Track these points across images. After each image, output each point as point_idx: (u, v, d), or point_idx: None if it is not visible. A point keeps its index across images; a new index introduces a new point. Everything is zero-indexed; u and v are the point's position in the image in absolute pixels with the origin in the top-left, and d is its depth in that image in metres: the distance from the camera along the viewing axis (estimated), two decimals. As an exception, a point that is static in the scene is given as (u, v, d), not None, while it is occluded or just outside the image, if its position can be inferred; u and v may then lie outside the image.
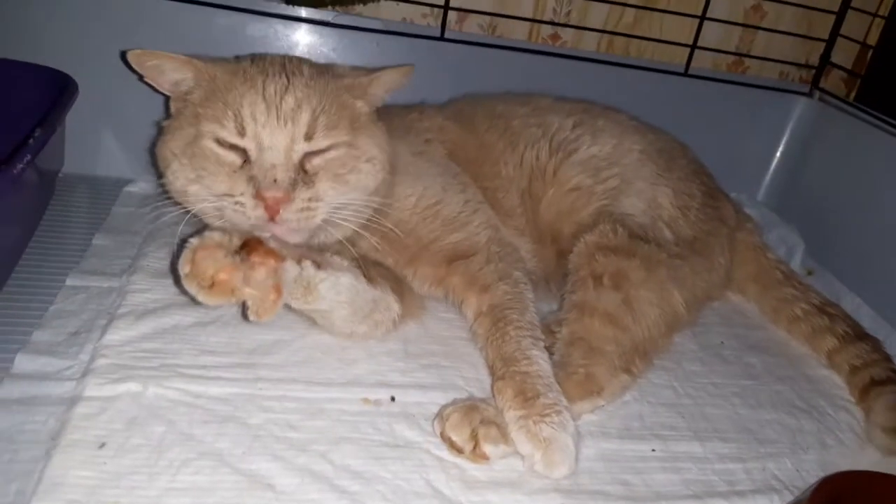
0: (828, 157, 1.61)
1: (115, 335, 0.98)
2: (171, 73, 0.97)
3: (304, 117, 0.90)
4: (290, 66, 0.96)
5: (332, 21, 1.47)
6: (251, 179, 0.88)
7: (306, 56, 1.46)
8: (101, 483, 0.77)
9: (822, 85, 1.67)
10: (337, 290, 0.93)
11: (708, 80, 1.64)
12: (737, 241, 1.32)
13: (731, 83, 1.65)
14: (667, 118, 1.36)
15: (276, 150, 0.89)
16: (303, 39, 1.48)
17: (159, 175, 1.03)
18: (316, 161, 0.93)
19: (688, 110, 1.58)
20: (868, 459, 1.02)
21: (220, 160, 0.91)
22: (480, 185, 1.21)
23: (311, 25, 1.47)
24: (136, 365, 0.94)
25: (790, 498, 0.91)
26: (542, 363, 0.96)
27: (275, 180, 0.87)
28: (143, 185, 1.42)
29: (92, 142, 1.45)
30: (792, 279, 1.32)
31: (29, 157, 0.98)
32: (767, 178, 1.74)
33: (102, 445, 0.82)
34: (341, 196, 0.95)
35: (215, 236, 0.82)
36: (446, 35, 1.51)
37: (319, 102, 0.92)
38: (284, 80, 0.92)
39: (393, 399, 0.97)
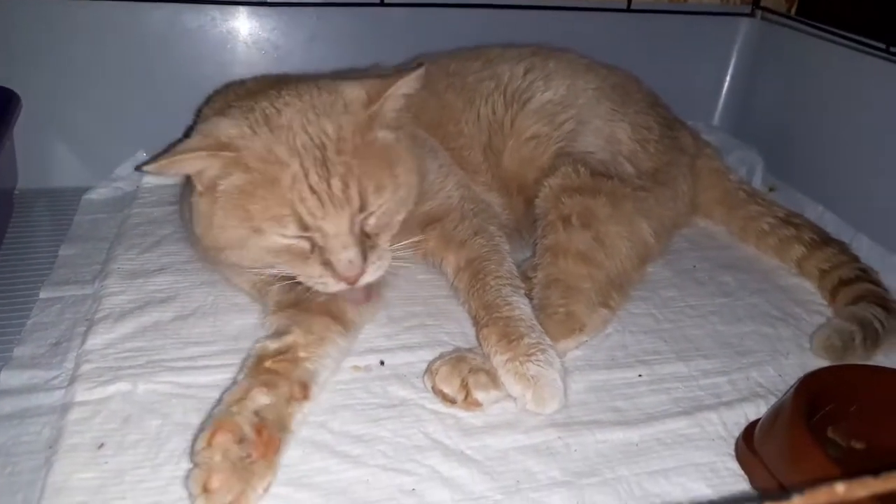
0: (777, 75, 1.63)
1: (96, 339, 0.98)
2: (194, 168, 0.90)
3: (354, 194, 0.89)
4: (311, 128, 0.89)
5: (268, 0, 1.45)
6: (326, 264, 0.90)
7: (247, 40, 1.47)
8: (104, 482, 0.78)
9: (763, 3, 1.68)
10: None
11: (651, 12, 1.64)
12: (698, 167, 1.34)
13: (674, 13, 1.66)
14: (614, 56, 1.36)
15: (341, 235, 0.89)
16: (241, 25, 1.46)
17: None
18: (372, 221, 0.93)
19: (634, 46, 1.59)
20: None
21: (290, 250, 0.90)
22: (446, 146, 1.21)
23: (248, 8, 1.45)
24: (123, 365, 0.94)
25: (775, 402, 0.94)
26: (523, 307, 0.97)
27: (350, 261, 0.89)
28: (101, 192, 1.41)
29: (43, 154, 1.42)
30: (755, 197, 1.35)
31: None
32: (721, 102, 1.76)
33: (101, 446, 0.82)
34: (393, 232, 0.98)
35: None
36: (385, 0, 1.50)
37: (360, 168, 0.89)
38: (319, 155, 0.88)
39: (382, 363, 0.98)
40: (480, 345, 0.94)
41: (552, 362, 0.90)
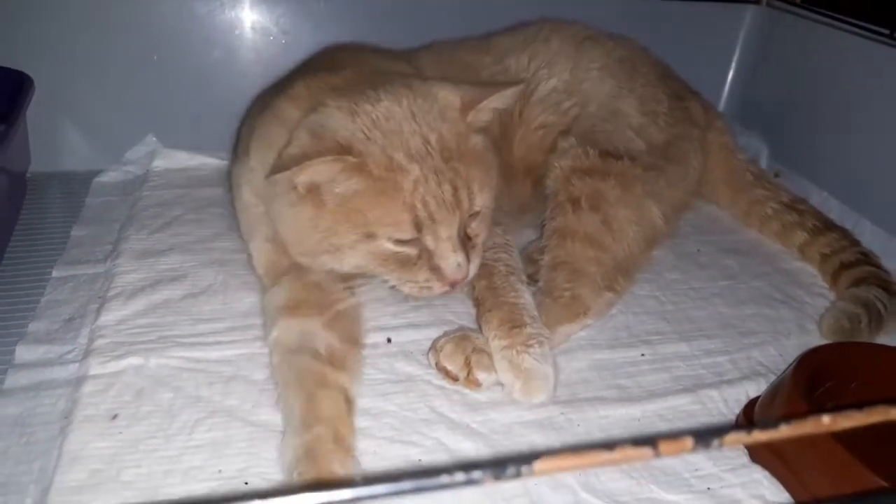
0: (782, 62, 1.64)
1: (109, 316, 1.00)
2: (319, 175, 0.86)
3: (464, 198, 0.90)
4: (419, 134, 0.89)
5: (275, -13, 1.47)
6: (434, 269, 0.91)
7: (255, 26, 1.48)
8: (119, 451, 0.80)
9: (769, -9, 1.69)
10: None
11: (658, -1, 1.65)
12: (708, 142, 1.33)
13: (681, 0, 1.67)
14: (619, 41, 1.37)
15: (452, 238, 0.90)
16: (249, 11, 1.48)
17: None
18: (474, 224, 0.95)
19: (640, 32, 1.59)
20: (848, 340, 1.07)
21: (398, 256, 0.90)
22: None
23: (255, -6, 1.47)
24: (135, 340, 0.96)
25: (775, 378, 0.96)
26: (526, 297, 0.99)
27: (458, 265, 0.90)
28: (112, 175, 1.43)
29: (55, 138, 1.44)
30: (762, 179, 1.36)
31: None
32: (726, 89, 1.77)
33: (115, 417, 0.84)
34: (488, 232, 0.99)
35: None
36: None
37: (465, 173, 0.90)
38: (431, 161, 0.88)
39: (389, 340, 1.00)
40: (481, 328, 0.96)
41: (546, 356, 0.90)
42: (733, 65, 1.75)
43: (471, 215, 0.93)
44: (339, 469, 0.75)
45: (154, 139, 1.50)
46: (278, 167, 0.85)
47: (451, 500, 0.76)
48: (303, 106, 0.95)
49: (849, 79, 1.44)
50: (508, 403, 0.90)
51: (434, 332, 1.00)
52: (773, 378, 0.96)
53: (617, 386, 0.95)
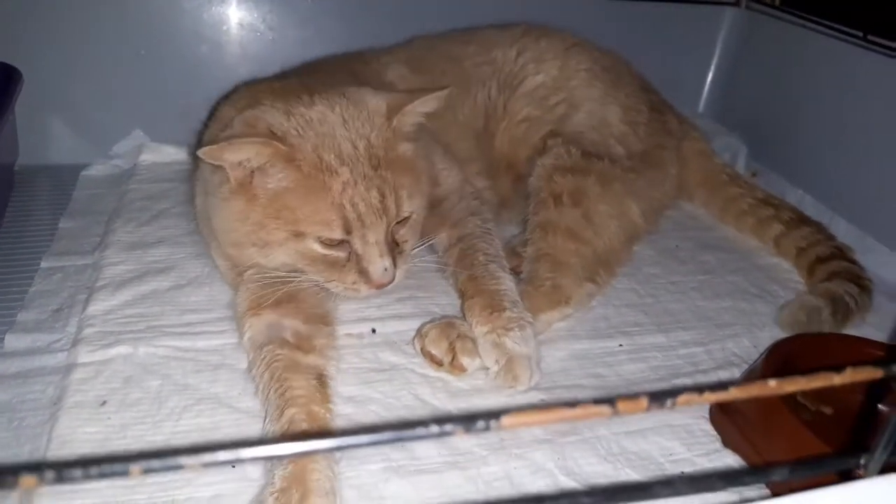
0: (761, 63, 1.68)
1: (97, 306, 1.02)
2: (245, 155, 0.87)
3: (391, 204, 0.92)
4: (349, 139, 0.91)
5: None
6: (362, 272, 0.92)
7: (242, 22, 1.50)
8: (108, 436, 0.82)
9: (747, -7, 1.73)
10: None
11: (637, 0, 1.68)
12: (684, 149, 1.38)
13: (661, 0, 1.70)
14: (600, 44, 1.40)
15: (379, 243, 0.92)
16: (237, 7, 1.49)
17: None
18: (402, 230, 0.97)
19: (620, 34, 1.62)
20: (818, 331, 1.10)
21: (326, 258, 0.92)
22: (443, 140, 1.23)
23: (242, -10, 1.48)
24: (123, 330, 0.98)
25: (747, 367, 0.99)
26: (508, 283, 1.01)
27: (385, 269, 0.92)
28: (99, 168, 1.45)
29: (43, 131, 1.45)
30: (737, 179, 1.39)
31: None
32: (705, 90, 1.81)
33: (104, 403, 0.86)
34: (416, 238, 1.02)
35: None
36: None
37: (393, 180, 0.92)
38: (360, 166, 0.90)
39: (374, 331, 1.02)
40: (465, 316, 0.98)
41: (528, 339, 0.93)
42: (712, 66, 1.78)
43: (398, 222, 0.95)
44: None
45: (141, 133, 1.51)
46: (211, 145, 0.86)
47: (434, 483, 0.78)
48: (241, 106, 0.98)
49: (825, 80, 1.47)
50: (490, 391, 0.92)
51: (418, 323, 1.02)
52: (746, 368, 0.99)
53: (595, 374, 0.97)
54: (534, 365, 0.92)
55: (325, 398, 0.85)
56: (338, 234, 0.90)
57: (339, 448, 0.34)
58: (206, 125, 1.11)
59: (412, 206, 0.96)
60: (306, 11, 1.53)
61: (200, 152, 0.86)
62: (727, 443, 0.86)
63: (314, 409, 0.82)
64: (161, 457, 0.27)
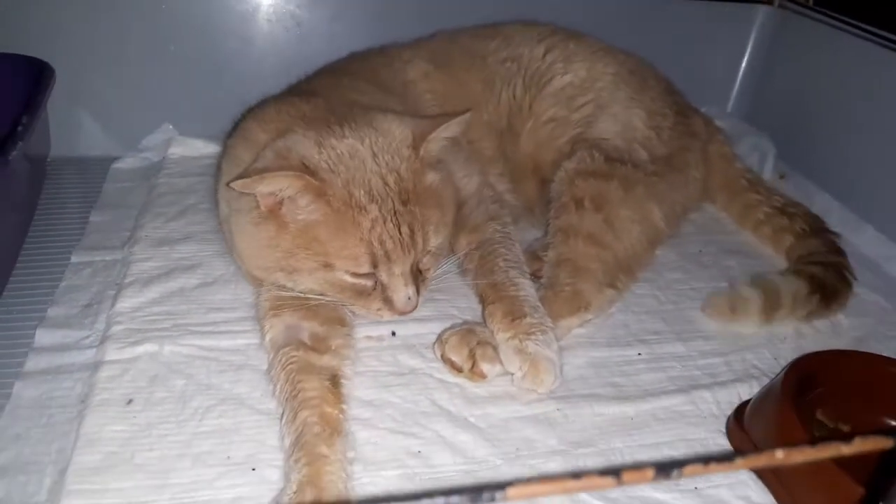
0: (793, 63, 1.65)
1: (125, 303, 1.04)
2: (277, 187, 0.88)
3: (419, 239, 0.94)
4: (379, 174, 0.92)
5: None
6: (386, 300, 0.95)
7: (271, 17, 1.51)
8: (133, 435, 0.84)
9: (782, -8, 1.70)
10: None
11: (669, -3, 1.66)
12: (708, 153, 1.37)
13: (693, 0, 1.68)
14: (631, 41, 1.38)
15: (405, 275, 0.94)
16: (265, 1, 1.50)
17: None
18: (426, 259, 0.99)
19: (651, 31, 1.61)
20: (841, 343, 1.09)
21: (355, 287, 0.94)
22: (467, 137, 1.23)
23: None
24: (150, 328, 1.00)
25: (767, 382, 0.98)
26: (528, 289, 1.02)
27: (409, 298, 0.95)
28: (129, 161, 1.47)
29: (74, 124, 1.48)
30: (757, 185, 1.37)
31: (21, 144, 1.02)
32: (735, 89, 1.78)
33: (130, 402, 0.88)
34: (438, 264, 1.04)
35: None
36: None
37: (421, 215, 0.94)
38: (391, 204, 0.91)
39: (394, 334, 1.04)
40: (485, 322, 0.99)
41: (550, 343, 0.94)
42: (743, 65, 1.75)
43: (426, 254, 0.97)
44: (325, 451, 0.79)
45: (170, 127, 1.53)
46: (240, 176, 0.88)
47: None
48: (270, 129, 0.99)
49: (857, 83, 1.45)
50: (506, 398, 0.93)
51: (438, 327, 1.03)
52: (765, 381, 0.98)
53: (613, 384, 0.98)
54: (557, 368, 0.93)
55: (338, 399, 0.87)
56: (365, 269, 0.92)
57: None
58: (230, 135, 1.11)
59: (438, 240, 0.98)
60: (335, 7, 1.53)
61: (234, 184, 0.88)
62: (742, 459, 0.86)
63: (327, 411, 0.84)
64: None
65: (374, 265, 0.92)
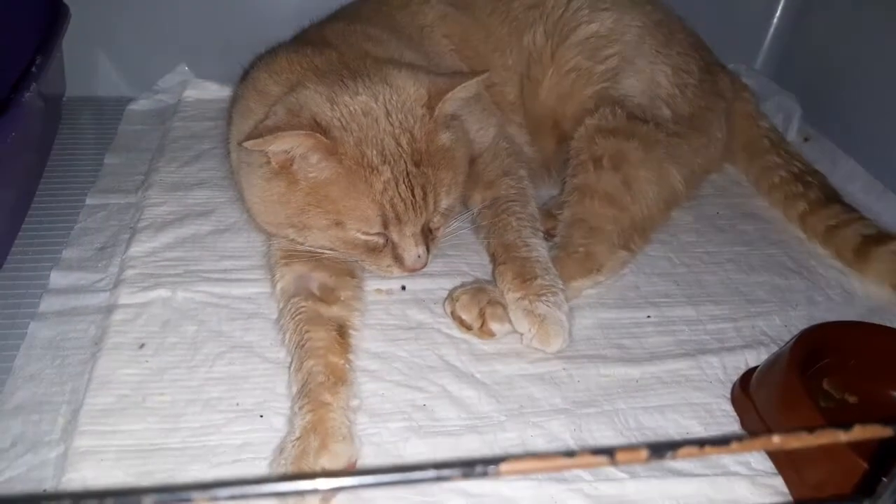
0: (824, 23, 1.59)
1: (139, 247, 1.05)
2: (289, 145, 0.88)
3: (431, 200, 0.93)
4: (392, 135, 0.90)
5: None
6: (397, 258, 0.95)
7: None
8: (145, 378, 0.86)
9: (819, -55, 1.62)
10: None
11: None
12: (732, 111, 1.33)
13: (726, -51, 1.62)
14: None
15: (415, 235, 0.93)
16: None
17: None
18: (437, 219, 0.98)
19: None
20: (855, 312, 1.08)
21: (366, 244, 0.94)
22: (487, 83, 1.20)
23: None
24: (163, 273, 1.01)
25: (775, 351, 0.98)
26: (540, 250, 1.01)
27: (419, 256, 0.94)
28: (144, 103, 1.46)
29: (89, 64, 1.47)
30: (779, 147, 1.33)
31: (34, 84, 1.02)
32: (765, 46, 1.72)
33: (142, 346, 0.90)
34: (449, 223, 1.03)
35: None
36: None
37: (434, 176, 0.93)
38: (403, 166, 0.90)
39: (403, 288, 1.04)
40: (496, 281, 0.99)
41: (560, 304, 0.94)
42: (774, 21, 1.69)
43: (436, 214, 0.96)
44: (329, 398, 0.81)
45: (186, 68, 1.52)
46: (252, 135, 0.87)
47: (451, 445, 0.81)
48: (282, 81, 0.98)
49: (891, 47, 1.39)
50: (513, 356, 0.94)
51: (448, 282, 1.04)
52: (774, 349, 0.98)
53: (620, 346, 0.98)
54: (566, 330, 0.93)
55: (345, 349, 0.88)
56: (376, 230, 0.92)
57: (339, 488, 0.35)
58: (241, 83, 1.10)
59: (449, 201, 0.97)
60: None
61: (246, 144, 0.87)
62: (746, 425, 0.87)
63: (332, 361, 0.86)
64: (172, 491, 0.29)
65: (385, 226, 0.92)
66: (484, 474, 0.29)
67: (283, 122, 0.88)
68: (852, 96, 1.49)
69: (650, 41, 1.23)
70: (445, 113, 0.96)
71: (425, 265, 0.96)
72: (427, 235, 0.96)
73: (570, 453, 0.32)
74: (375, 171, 0.89)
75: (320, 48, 1.03)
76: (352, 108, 0.90)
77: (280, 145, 0.87)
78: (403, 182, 0.90)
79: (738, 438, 0.34)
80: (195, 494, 0.28)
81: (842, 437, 0.35)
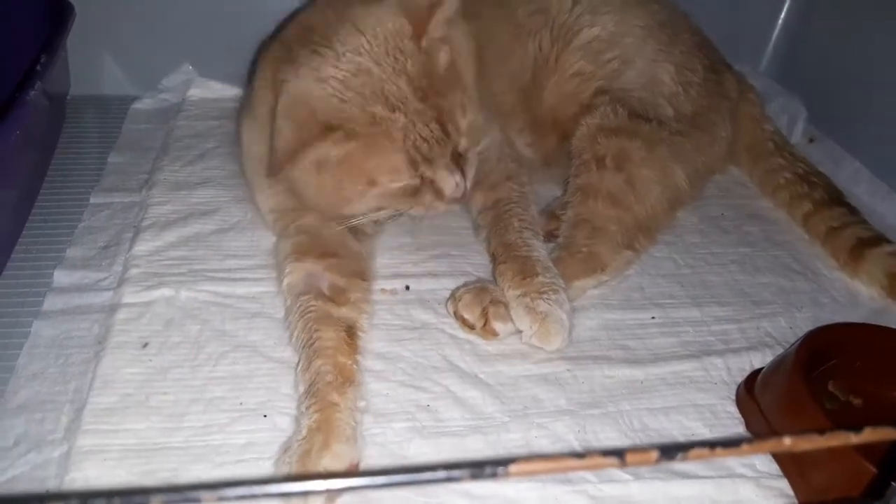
0: (829, 25, 1.58)
1: (143, 246, 1.05)
2: (310, 159, 0.90)
3: (451, 128, 0.93)
4: (391, 81, 0.89)
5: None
6: (436, 192, 0.95)
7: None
8: (148, 378, 0.86)
9: (824, -54, 1.62)
10: None
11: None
12: (737, 112, 1.33)
13: (731, -50, 1.61)
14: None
15: (448, 165, 0.93)
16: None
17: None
18: (463, 141, 0.97)
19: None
20: (860, 314, 1.07)
21: (404, 190, 0.94)
22: (489, 90, 1.19)
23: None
24: (167, 272, 1.01)
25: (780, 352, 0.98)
26: (540, 251, 1.01)
27: (457, 184, 0.95)
28: (148, 102, 1.46)
29: (93, 63, 1.46)
30: (783, 150, 1.32)
31: (39, 83, 1.02)
32: (769, 48, 1.72)
33: (146, 345, 0.90)
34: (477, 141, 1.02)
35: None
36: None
37: (445, 102, 0.92)
38: (412, 105, 0.89)
39: (408, 288, 1.04)
40: (496, 280, 0.99)
41: (562, 303, 0.93)
42: (779, 23, 1.69)
43: (461, 136, 0.95)
44: (336, 399, 0.80)
45: (190, 67, 1.51)
46: (274, 167, 0.89)
47: (455, 446, 0.81)
48: (279, 58, 0.97)
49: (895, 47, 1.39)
50: (517, 357, 0.94)
51: (452, 282, 1.03)
52: (779, 350, 0.98)
53: (624, 347, 0.97)
54: (566, 328, 0.93)
55: (353, 350, 0.88)
56: (408, 176, 0.92)
57: (349, 488, 0.35)
58: (251, 69, 1.09)
59: (468, 119, 0.96)
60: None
61: (270, 178, 0.91)
62: (750, 427, 0.86)
63: (340, 361, 0.85)
64: (180, 491, 0.29)
65: (416, 167, 0.92)
66: (493, 475, 0.29)
67: (294, 141, 0.88)
68: (857, 98, 1.48)
69: (653, 41, 1.23)
70: (433, 38, 0.94)
71: (465, 192, 0.96)
72: (459, 160, 0.96)
73: (579, 454, 0.31)
74: (389, 122, 0.89)
75: (288, 27, 1.02)
76: (340, 77, 0.89)
77: (303, 162, 0.89)
78: (418, 122, 0.90)
79: (749, 440, 0.34)
80: (203, 494, 0.28)
81: (852, 439, 0.35)
